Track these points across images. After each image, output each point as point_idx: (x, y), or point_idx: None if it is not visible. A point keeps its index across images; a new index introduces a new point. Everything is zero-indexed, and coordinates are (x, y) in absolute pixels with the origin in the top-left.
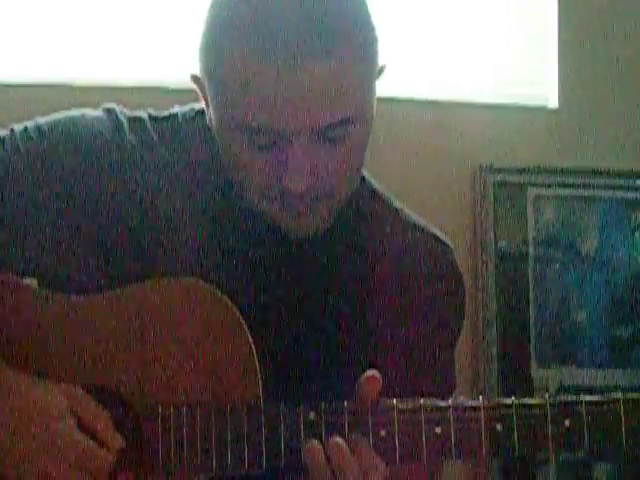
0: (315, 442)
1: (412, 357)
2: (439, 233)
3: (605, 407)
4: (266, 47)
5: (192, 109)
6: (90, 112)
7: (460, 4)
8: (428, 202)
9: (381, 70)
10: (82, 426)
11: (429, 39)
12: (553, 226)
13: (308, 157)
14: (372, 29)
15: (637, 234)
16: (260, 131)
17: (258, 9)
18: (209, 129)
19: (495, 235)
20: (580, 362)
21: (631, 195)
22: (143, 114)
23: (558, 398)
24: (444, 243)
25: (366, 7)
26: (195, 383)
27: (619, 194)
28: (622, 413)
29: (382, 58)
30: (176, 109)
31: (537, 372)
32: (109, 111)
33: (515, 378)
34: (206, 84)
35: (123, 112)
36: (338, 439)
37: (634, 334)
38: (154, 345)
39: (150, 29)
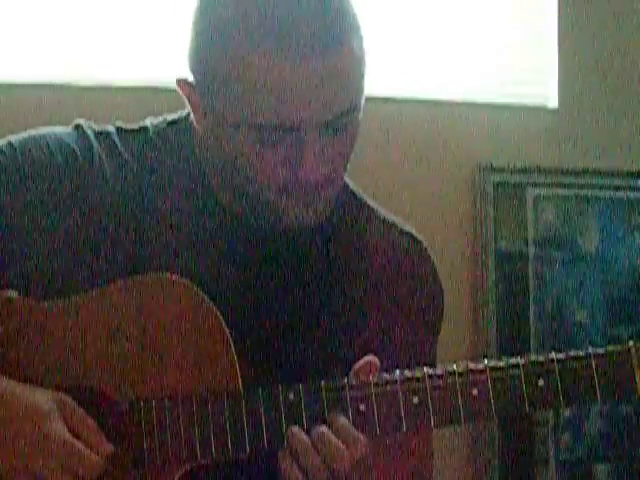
0: (296, 428)
1: (389, 351)
2: (412, 230)
3: (577, 363)
4: (276, 43)
5: (164, 120)
6: (60, 129)
7: (460, 4)
8: (428, 202)
9: None
10: (70, 430)
11: (429, 39)
12: (553, 226)
13: (321, 148)
14: (360, 21)
15: (637, 234)
16: (271, 126)
17: (259, 4)
18: (184, 137)
19: (495, 235)
20: None
21: (631, 195)
22: (110, 128)
23: (531, 358)
24: (417, 240)
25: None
26: (174, 377)
27: (619, 194)
28: (594, 368)
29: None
30: (147, 122)
31: None
32: (77, 127)
33: None
34: (204, 85)
35: (91, 127)
36: (323, 428)
37: (634, 334)
38: (132, 341)
39: (150, 29)
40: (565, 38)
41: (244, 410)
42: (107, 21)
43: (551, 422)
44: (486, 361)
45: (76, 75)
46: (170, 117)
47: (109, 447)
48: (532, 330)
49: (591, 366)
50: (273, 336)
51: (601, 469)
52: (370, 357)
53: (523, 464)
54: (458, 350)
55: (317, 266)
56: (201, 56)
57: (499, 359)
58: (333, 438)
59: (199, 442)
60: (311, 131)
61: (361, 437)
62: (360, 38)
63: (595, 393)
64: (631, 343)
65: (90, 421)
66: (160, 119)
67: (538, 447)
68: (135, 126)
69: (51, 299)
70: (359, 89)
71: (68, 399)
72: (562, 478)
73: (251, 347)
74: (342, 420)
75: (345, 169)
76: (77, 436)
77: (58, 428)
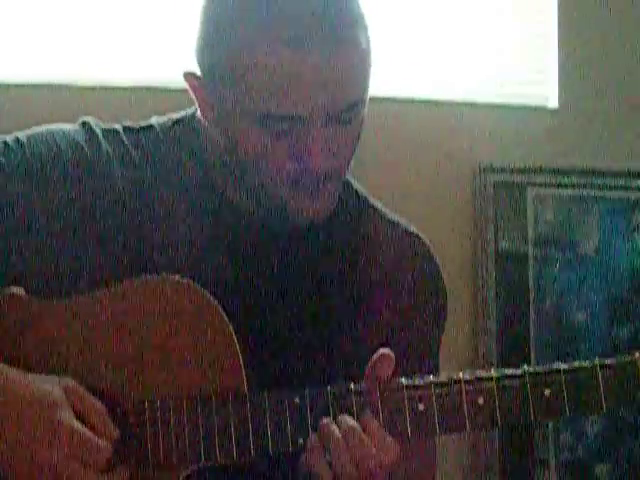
0: (328, 420)
1: (394, 351)
2: (414, 229)
3: (583, 373)
4: (286, 35)
5: (170, 119)
6: (67, 125)
7: (460, 4)
8: (428, 202)
9: None
10: (78, 417)
11: (429, 39)
12: (553, 226)
13: (327, 139)
14: (366, 20)
15: (637, 234)
16: (279, 118)
17: None
18: (190, 134)
19: (495, 235)
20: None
21: (631, 195)
22: (118, 126)
23: (537, 368)
24: (422, 240)
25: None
26: (179, 378)
27: (619, 194)
28: (600, 378)
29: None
30: (153, 120)
31: None
32: (84, 124)
33: None
34: (212, 77)
35: (98, 125)
36: (351, 421)
37: (634, 334)
38: (137, 342)
39: (150, 29)
40: (565, 38)
41: (249, 413)
42: (107, 21)
43: (551, 422)
44: (492, 370)
45: (76, 75)
46: (176, 116)
47: (116, 432)
48: (532, 330)
49: (597, 376)
50: (279, 336)
51: (601, 469)
52: (385, 350)
53: (523, 464)
54: (458, 350)
55: (322, 265)
56: (209, 48)
57: (499, 360)
58: (361, 431)
59: (203, 444)
60: (318, 122)
61: (394, 442)
62: (367, 36)
63: (601, 403)
64: (637, 354)
65: (98, 405)
66: (165, 118)
67: (538, 447)
68: (141, 124)
69: (56, 296)
70: (365, 84)
71: (75, 384)
72: (562, 478)
73: (257, 348)
74: (375, 424)
75: (349, 163)
76: (85, 421)
77: (66, 416)
